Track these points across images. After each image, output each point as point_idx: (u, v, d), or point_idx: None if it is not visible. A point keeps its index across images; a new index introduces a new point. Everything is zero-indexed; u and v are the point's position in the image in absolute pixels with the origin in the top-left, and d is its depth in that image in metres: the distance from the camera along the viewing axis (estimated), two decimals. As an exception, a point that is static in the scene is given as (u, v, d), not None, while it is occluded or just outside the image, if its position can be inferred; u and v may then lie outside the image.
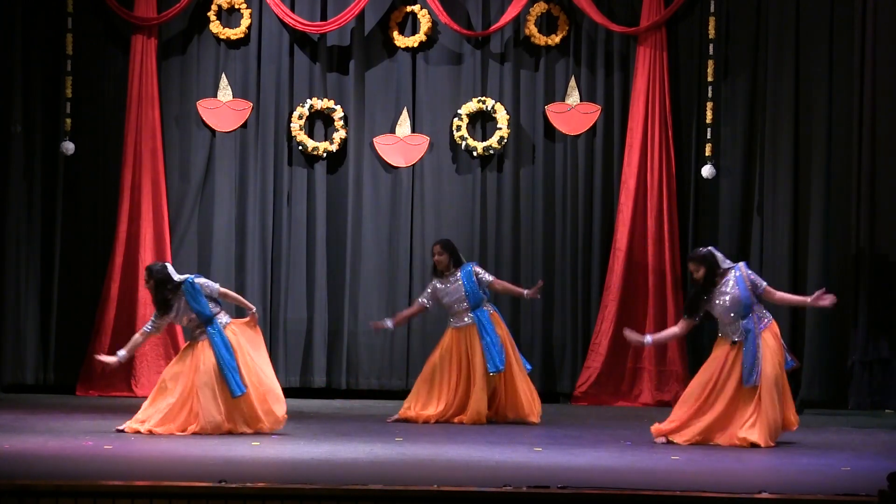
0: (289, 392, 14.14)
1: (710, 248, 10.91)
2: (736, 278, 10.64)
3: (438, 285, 12.18)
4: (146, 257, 14.03)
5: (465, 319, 12.07)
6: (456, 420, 11.99)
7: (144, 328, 11.18)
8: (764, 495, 7.92)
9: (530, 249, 14.38)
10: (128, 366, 13.96)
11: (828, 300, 10.71)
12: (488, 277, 12.25)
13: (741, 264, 10.80)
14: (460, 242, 14.19)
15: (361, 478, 8.46)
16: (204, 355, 10.88)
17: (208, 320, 10.97)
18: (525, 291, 12.43)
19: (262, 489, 7.84)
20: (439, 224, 14.32)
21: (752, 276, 10.72)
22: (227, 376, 10.81)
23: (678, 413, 10.71)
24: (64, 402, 13.36)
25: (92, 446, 10.09)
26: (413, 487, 8.00)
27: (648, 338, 11.17)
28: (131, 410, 11.24)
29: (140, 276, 13.97)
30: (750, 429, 10.46)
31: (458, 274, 12.11)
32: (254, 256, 14.35)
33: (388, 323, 12.44)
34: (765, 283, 10.77)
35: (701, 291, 10.71)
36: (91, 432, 10.85)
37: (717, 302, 10.63)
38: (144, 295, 13.96)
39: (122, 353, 11.12)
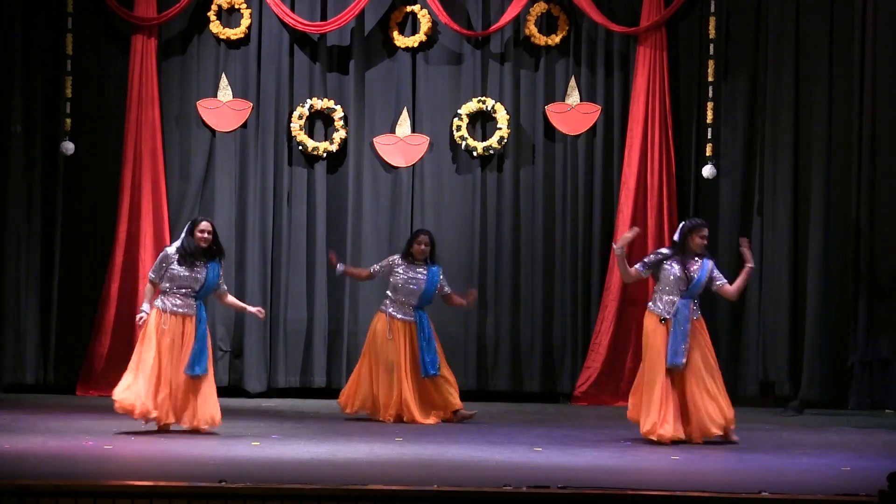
0: (289, 392, 14.24)
1: None
2: (703, 262, 10.81)
3: (400, 266, 12.16)
4: (146, 257, 14.04)
5: (408, 315, 12.09)
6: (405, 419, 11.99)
7: (152, 276, 11.00)
8: (764, 495, 7.92)
9: (530, 249, 14.38)
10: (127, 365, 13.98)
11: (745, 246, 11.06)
12: (447, 290, 12.29)
13: (712, 260, 10.95)
14: (460, 242, 14.24)
15: (361, 478, 8.46)
16: (185, 332, 10.84)
17: (205, 296, 11.02)
18: (465, 301, 12.44)
19: (262, 489, 7.84)
20: (439, 224, 14.32)
21: (716, 272, 10.90)
22: (199, 353, 10.79)
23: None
24: (64, 402, 13.36)
25: (92, 446, 10.09)
26: (413, 487, 8.00)
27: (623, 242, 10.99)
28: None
29: (140, 275, 14.04)
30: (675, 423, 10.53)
31: (426, 271, 12.13)
32: (254, 256, 14.35)
33: (340, 267, 12.44)
34: (725, 282, 10.92)
35: (674, 256, 10.78)
36: (91, 432, 10.85)
37: (674, 267, 10.73)
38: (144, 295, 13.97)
39: (146, 307, 10.98)
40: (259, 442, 10.49)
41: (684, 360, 10.57)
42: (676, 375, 10.59)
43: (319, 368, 14.32)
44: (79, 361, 14.16)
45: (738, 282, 10.96)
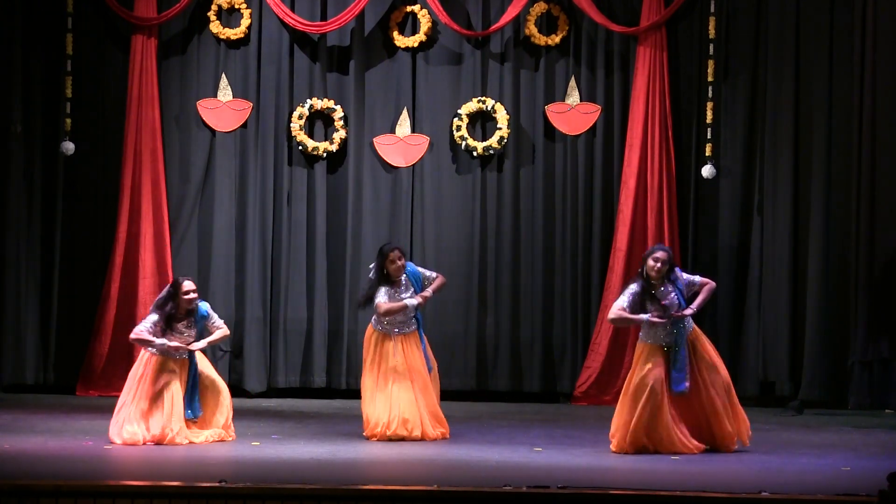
0: (289, 392, 14.23)
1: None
2: (675, 285, 10.33)
3: (386, 297, 10.91)
4: (146, 257, 14.05)
5: (412, 326, 11.06)
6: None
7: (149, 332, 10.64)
8: (764, 495, 7.93)
9: (530, 249, 14.37)
10: (128, 365, 13.96)
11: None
12: (429, 273, 11.26)
13: (677, 269, 10.49)
14: (460, 242, 14.25)
15: (361, 478, 8.47)
16: (180, 371, 10.59)
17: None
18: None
19: (262, 489, 7.85)
20: (439, 224, 14.32)
21: (686, 278, 10.48)
22: (191, 398, 10.54)
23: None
24: (64, 402, 13.37)
25: (92, 446, 10.10)
26: (413, 487, 8.01)
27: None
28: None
29: (139, 275, 14.04)
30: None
31: (407, 279, 11.02)
32: (254, 256, 14.35)
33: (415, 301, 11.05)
34: (698, 278, 10.56)
35: (646, 291, 10.29)
36: (91, 432, 10.85)
37: (651, 305, 10.26)
38: (144, 295, 13.98)
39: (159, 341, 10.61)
40: (259, 442, 10.50)
41: (688, 384, 10.19)
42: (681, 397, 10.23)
43: (319, 368, 14.32)
44: (79, 361, 14.17)
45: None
